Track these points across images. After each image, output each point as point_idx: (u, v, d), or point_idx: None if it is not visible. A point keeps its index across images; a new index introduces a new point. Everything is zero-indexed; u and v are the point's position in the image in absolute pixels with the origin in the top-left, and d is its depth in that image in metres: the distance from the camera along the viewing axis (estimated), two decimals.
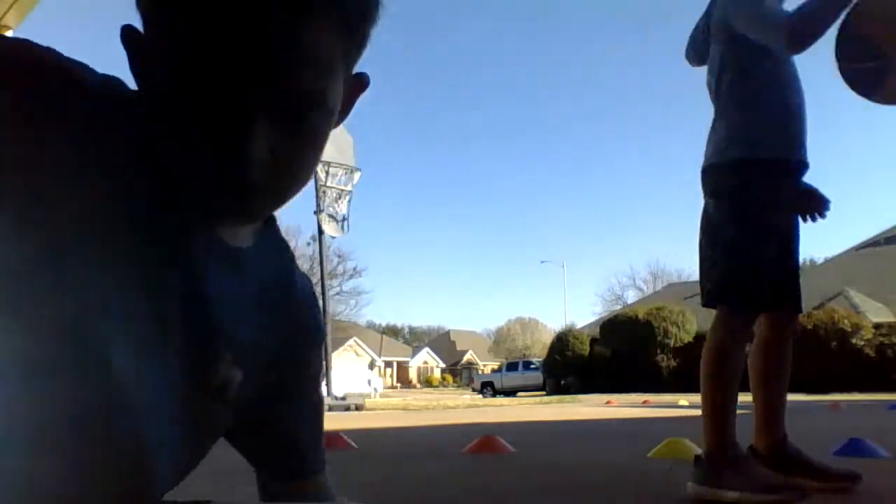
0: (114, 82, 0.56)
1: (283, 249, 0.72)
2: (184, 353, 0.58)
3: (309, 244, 13.98)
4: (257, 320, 0.65)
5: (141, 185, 0.54)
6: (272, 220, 0.70)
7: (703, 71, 2.43)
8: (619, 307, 42.88)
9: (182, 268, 0.57)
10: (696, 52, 2.45)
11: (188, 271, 0.57)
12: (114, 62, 0.61)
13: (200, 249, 0.58)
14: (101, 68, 0.61)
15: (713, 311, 2.37)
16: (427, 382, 59.38)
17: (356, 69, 0.60)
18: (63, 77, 0.51)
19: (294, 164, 0.54)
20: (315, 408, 0.80)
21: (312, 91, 0.52)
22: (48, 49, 0.53)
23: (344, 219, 13.70)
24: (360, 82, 0.62)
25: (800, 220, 2.28)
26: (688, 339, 26.82)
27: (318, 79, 0.52)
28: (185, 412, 0.60)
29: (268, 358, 0.68)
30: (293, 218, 46.72)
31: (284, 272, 0.70)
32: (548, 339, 40.47)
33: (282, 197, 0.57)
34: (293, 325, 0.71)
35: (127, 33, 0.54)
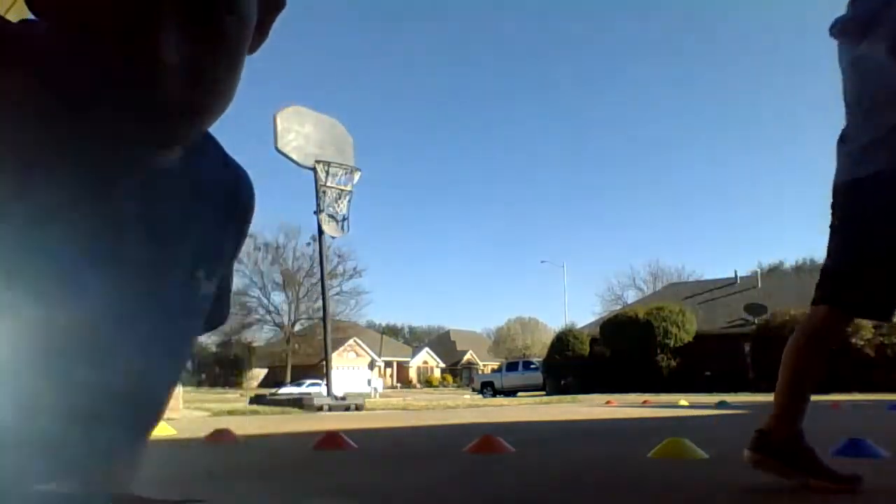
0: None
1: (207, 145, 0.66)
2: (150, 275, 0.55)
3: (309, 244, 13.98)
4: (213, 227, 0.63)
5: (52, 120, 0.49)
6: None
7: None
8: (619, 307, 42.86)
9: (129, 199, 0.53)
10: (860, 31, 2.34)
11: (134, 202, 0.53)
12: None
13: (136, 177, 0.53)
14: None
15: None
16: (427, 382, 59.34)
17: None
18: None
19: (210, 76, 0.50)
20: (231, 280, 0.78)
21: None
22: None
23: (344, 219, 13.68)
24: (276, 1, 0.59)
25: None
26: (688, 339, 26.80)
27: None
28: (165, 335, 0.59)
29: (228, 258, 0.69)
30: (293, 218, 46.64)
31: (223, 176, 0.67)
32: (548, 339, 40.44)
33: (202, 116, 0.52)
34: (244, 225, 0.71)
35: None
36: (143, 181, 0.54)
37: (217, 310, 0.73)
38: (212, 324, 0.75)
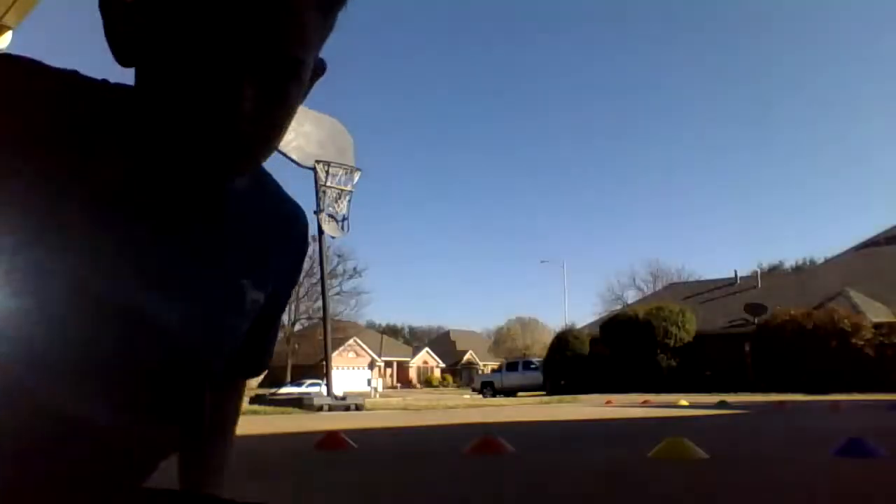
0: (71, 73, 0.62)
1: (269, 184, 0.79)
2: (207, 280, 0.68)
3: (309, 244, 13.98)
4: (269, 252, 0.76)
5: (133, 161, 0.62)
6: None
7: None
8: (619, 307, 42.84)
9: (188, 216, 0.66)
10: None
11: (193, 218, 0.66)
12: (109, 58, 0.62)
13: (199, 195, 0.66)
14: (98, 66, 0.61)
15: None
16: (427, 382, 59.33)
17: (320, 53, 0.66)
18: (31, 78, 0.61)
19: (271, 125, 0.62)
20: (278, 323, 0.90)
21: (294, 59, 0.59)
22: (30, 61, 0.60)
23: (344, 219, 13.69)
24: (321, 67, 0.69)
25: None
26: (688, 339, 26.79)
27: (299, 48, 0.59)
28: (217, 331, 0.70)
29: (278, 278, 0.80)
30: None
31: (284, 204, 0.80)
32: (548, 339, 40.42)
33: (259, 154, 0.65)
34: (297, 248, 0.83)
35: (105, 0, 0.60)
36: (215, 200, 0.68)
37: (256, 355, 0.86)
38: (251, 370, 0.88)
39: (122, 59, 0.61)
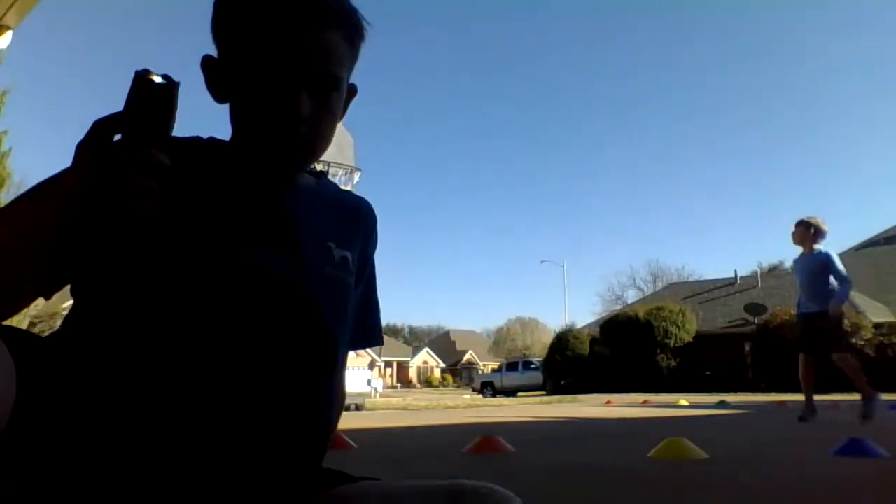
0: (193, 138, 0.91)
1: (332, 184, 1.05)
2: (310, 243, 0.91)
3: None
4: (336, 220, 0.98)
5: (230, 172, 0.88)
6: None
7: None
8: (619, 307, 42.81)
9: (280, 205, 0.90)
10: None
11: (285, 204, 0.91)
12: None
13: (287, 188, 0.92)
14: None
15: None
16: (427, 382, 59.31)
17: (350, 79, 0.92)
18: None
19: (320, 127, 0.86)
20: (376, 296, 1.18)
21: (334, 75, 0.85)
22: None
23: None
24: (354, 89, 0.95)
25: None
26: (687, 338, 26.78)
27: (337, 66, 0.86)
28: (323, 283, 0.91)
29: (359, 243, 1.03)
30: None
31: (343, 196, 1.05)
32: (548, 339, 40.39)
33: (314, 152, 0.88)
34: (369, 232, 1.07)
35: (205, 60, 0.88)
36: (291, 190, 0.92)
37: (370, 326, 1.15)
38: (367, 341, 1.14)
39: (219, 97, 0.88)
